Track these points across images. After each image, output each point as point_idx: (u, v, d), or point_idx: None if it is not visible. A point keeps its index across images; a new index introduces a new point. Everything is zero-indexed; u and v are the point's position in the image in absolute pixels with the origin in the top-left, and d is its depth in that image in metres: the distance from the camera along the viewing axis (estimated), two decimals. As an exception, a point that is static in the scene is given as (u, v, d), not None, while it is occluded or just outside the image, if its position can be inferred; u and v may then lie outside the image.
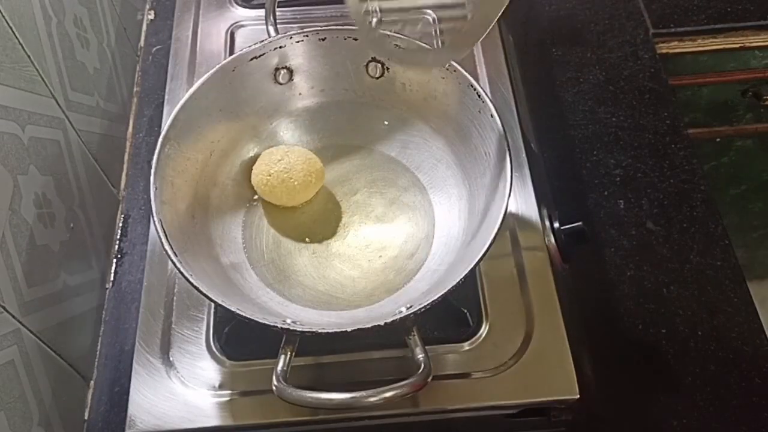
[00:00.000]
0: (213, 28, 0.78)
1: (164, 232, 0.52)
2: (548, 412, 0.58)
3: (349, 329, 0.48)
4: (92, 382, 0.65)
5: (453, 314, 0.59)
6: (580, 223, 0.61)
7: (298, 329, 0.49)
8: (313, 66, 0.64)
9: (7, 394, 0.52)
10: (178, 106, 0.58)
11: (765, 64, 0.97)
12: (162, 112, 0.71)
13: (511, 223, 0.63)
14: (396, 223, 0.64)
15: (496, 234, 0.50)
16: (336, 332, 0.48)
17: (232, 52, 0.75)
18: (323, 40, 0.63)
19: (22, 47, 0.58)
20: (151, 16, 0.88)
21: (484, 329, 0.58)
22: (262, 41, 0.62)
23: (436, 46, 0.60)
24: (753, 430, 0.63)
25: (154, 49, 0.85)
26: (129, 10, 0.86)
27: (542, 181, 0.67)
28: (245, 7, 0.80)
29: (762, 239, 1.36)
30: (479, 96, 0.57)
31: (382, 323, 0.48)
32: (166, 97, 0.72)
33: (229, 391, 0.56)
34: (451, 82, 0.60)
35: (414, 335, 0.50)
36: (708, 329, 0.67)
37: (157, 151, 0.55)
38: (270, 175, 0.61)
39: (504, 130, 0.55)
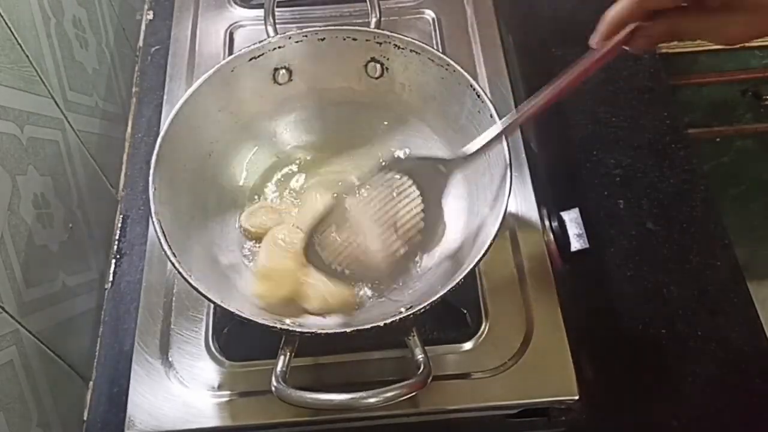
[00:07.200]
0: (212, 29, 0.78)
1: (163, 232, 0.51)
2: (548, 412, 0.58)
3: (348, 330, 0.48)
4: (91, 383, 0.65)
5: (453, 314, 0.59)
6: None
7: (297, 330, 0.49)
8: (313, 66, 0.64)
9: (5, 395, 0.52)
10: (177, 106, 0.58)
11: (765, 64, 0.97)
12: (161, 112, 0.71)
13: (511, 223, 0.63)
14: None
15: (496, 234, 0.50)
16: (335, 333, 0.48)
17: (231, 53, 0.75)
18: (322, 40, 0.62)
19: (21, 47, 0.58)
20: (150, 17, 0.88)
21: (483, 329, 0.58)
22: (261, 41, 0.61)
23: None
24: (753, 430, 0.63)
25: (153, 49, 0.85)
26: (128, 11, 0.86)
27: (542, 181, 0.67)
28: (244, 7, 0.80)
29: (762, 239, 1.36)
30: (479, 96, 0.57)
31: (381, 324, 0.47)
32: (164, 97, 0.72)
33: (228, 392, 0.56)
34: (450, 82, 0.60)
35: (414, 336, 0.50)
36: (708, 329, 0.67)
37: (155, 151, 0.55)
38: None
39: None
